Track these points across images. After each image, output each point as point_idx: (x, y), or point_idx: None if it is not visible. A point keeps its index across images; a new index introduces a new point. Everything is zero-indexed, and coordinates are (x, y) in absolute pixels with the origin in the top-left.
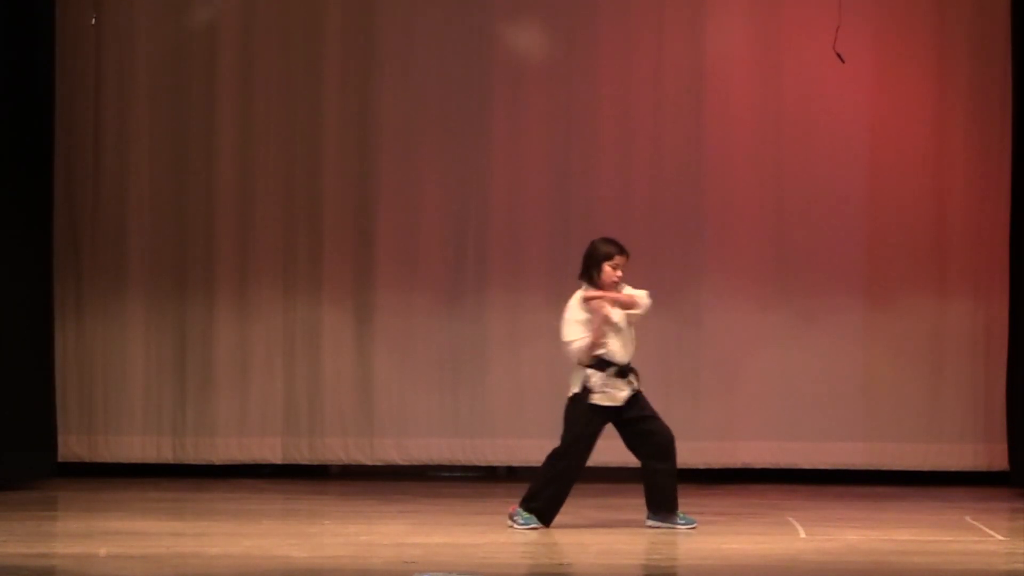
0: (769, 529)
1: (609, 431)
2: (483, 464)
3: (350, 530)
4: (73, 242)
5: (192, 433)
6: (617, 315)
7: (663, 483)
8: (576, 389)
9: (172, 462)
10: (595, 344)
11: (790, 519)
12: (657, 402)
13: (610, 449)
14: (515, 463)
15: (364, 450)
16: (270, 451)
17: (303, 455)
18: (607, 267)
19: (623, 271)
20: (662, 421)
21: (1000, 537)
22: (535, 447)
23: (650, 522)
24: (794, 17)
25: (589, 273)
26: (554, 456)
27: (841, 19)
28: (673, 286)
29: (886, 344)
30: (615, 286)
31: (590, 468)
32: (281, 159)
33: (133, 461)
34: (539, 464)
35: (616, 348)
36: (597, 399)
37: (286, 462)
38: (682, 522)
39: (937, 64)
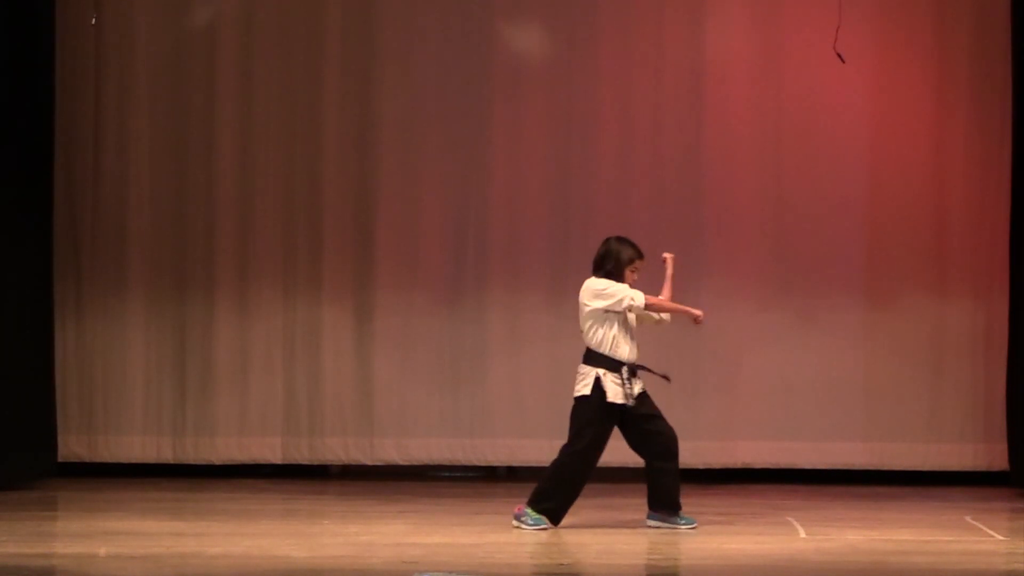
0: (769, 529)
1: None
2: (483, 464)
3: (350, 530)
4: (73, 242)
5: (192, 433)
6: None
7: (667, 483)
8: (586, 391)
9: (172, 462)
10: (679, 311)
11: (790, 519)
12: (657, 402)
13: (610, 449)
14: (515, 463)
15: (364, 450)
16: (270, 451)
17: (303, 455)
18: (628, 272)
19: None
20: (666, 421)
21: (1000, 537)
22: (535, 447)
23: (651, 521)
24: (794, 17)
25: (610, 273)
26: (568, 456)
27: (841, 19)
28: (673, 286)
29: (886, 344)
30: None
31: None
32: (281, 159)
33: (133, 461)
34: (539, 464)
35: (627, 348)
36: (612, 397)
37: (286, 462)
38: (682, 522)
39: (937, 64)
